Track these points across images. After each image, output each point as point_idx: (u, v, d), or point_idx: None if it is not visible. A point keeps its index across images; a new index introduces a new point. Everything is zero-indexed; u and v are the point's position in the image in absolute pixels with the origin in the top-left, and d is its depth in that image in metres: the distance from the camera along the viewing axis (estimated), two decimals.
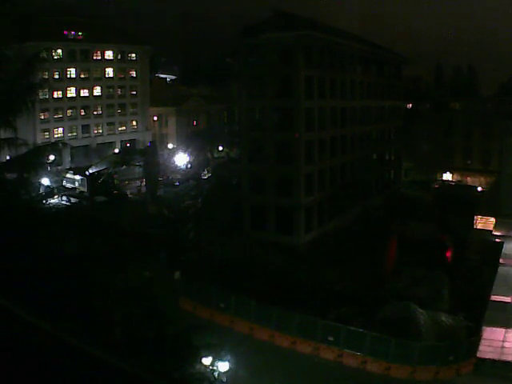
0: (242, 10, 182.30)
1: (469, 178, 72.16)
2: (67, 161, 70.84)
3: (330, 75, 49.92)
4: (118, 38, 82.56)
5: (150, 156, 60.67)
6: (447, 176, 74.32)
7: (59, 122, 75.43)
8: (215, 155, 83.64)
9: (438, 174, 73.91)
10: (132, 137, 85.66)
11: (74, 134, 77.39)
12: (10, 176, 12.56)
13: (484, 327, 31.56)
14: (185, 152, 77.87)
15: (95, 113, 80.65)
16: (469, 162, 72.43)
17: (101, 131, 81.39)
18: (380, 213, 54.25)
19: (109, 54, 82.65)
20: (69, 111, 76.83)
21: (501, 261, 40.30)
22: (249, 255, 41.65)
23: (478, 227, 47.80)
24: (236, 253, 41.68)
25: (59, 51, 74.49)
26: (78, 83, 77.98)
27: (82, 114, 78.69)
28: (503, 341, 31.11)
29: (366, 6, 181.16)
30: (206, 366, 21.06)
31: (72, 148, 66.91)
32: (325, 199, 49.01)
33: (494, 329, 31.60)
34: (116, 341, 10.95)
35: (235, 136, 70.35)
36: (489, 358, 29.99)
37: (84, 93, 78.91)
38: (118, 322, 11.76)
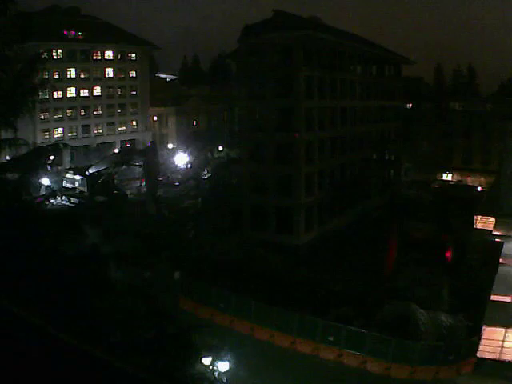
0: (242, 10, 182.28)
1: (469, 178, 72.18)
2: (67, 161, 70.78)
3: (329, 75, 49.90)
4: (118, 37, 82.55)
5: (150, 156, 60.63)
6: (447, 176, 74.34)
7: (59, 121, 75.39)
8: (215, 155, 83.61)
9: (437, 173, 73.92)
10: (132, 137, 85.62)
11: (74, 133, 77.35)
12: (11, 176, 12.56)
13: (484, 327, 31.55)
14: (185, 152, 77.85)
15: (95, 113, 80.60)
16: (469, 162, 72.44)
17: (101, 131, 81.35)
18: (380, 213, 54.24)
19: (109, 54, 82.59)
20: (69, 111, 76.79)
21: (501, 261, 40.30)
22: (249, 255, 41.64)
23: (478, 227, 47.78)
24: (236, 253, 41.68)
25: (59, 51, 74.49)
26: (78, 83, 77.93)
27: (82, 113, 78.62)
28: (503, 341, 31.11)
29: (366, 6, 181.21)
30: (205, 365, 21.07)
31: (72, 148, 66.85)
32: (325, 199, 49.00)
33: (494, 329, 31.59)
34: (116, 341, 10.95)
35: (235, 136, 70.40)
36: (489, 358, 30.01)
37: (84, 93, 78.86)
38: (118, 321, 11.75)
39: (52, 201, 52.81)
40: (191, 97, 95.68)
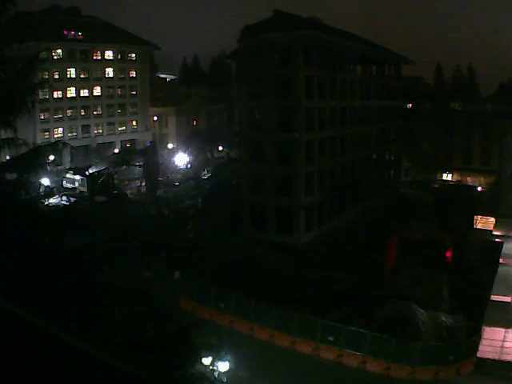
0: (242, 10, 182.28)
1: (469, 178, 72.15)
2: (67, 161, 70.79)
3: (329, 75, 49.88)
4: (118, 37, 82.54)
5: (150, 156, 60.62)
6: (447, 176, 74.32)
7: (59, 121, 75.40)
8: (215, 155, 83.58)
9: (437, 173, 73.90)
10: (132, 137, 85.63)
11: (74, 134, 77.36)
12: (10, 176, 12.55)
13: (484, 327, 31.57)
14: (185, 152, 77.82)
15: (95, 113, 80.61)
16: (469, 162, 72.42)
17: (101, 131, 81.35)
18: (380, 213, 54.22)
19: (109, 54, 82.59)
20: (69, 111, 76.80)
21: (501, 261, 40.33)
22: (249, 255, 41.63)
23: (478, 227, 47.78)
24: (236, 252, 41.66)
25: (59, 51, 74.47)
26: (78, 83, 77.93)
27: (82, 114, 78.64)
28: (503, 341, 31.13)
29: (366, 6, 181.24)
30: (205, 365, 21.08)
31: (72, 148, 66.87)
32: (325, 199, 48.99)
33: (494, 329, 31.62)
34: (116, 341, 10.94)
35: (235, 136, 70.36)
36: (489, 358, 30.00)
37: (84, 93, 78.87)
38: (118, 321, 11.75)
39: (51, 200, 52.84)
40: (191, 97, 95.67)
